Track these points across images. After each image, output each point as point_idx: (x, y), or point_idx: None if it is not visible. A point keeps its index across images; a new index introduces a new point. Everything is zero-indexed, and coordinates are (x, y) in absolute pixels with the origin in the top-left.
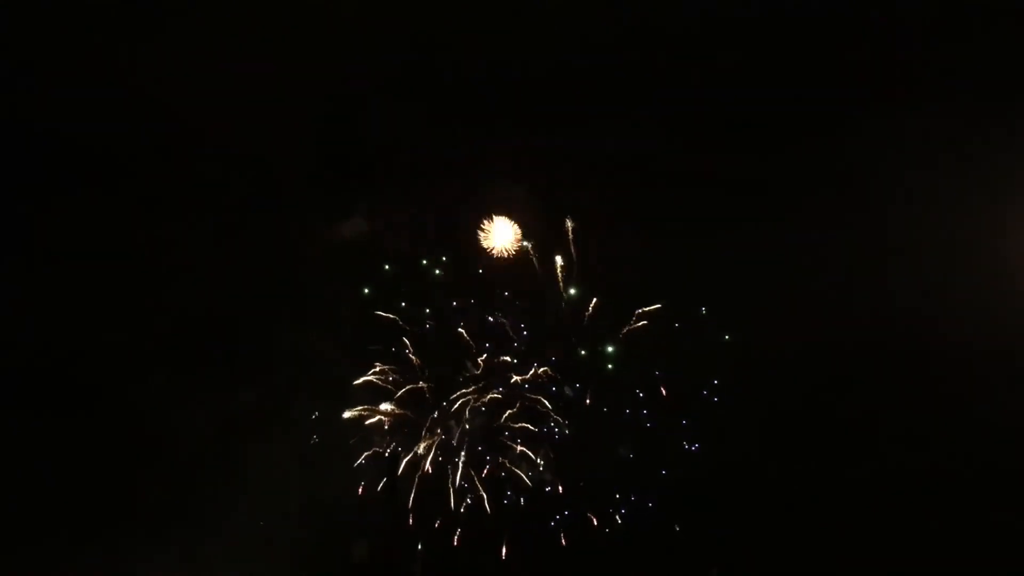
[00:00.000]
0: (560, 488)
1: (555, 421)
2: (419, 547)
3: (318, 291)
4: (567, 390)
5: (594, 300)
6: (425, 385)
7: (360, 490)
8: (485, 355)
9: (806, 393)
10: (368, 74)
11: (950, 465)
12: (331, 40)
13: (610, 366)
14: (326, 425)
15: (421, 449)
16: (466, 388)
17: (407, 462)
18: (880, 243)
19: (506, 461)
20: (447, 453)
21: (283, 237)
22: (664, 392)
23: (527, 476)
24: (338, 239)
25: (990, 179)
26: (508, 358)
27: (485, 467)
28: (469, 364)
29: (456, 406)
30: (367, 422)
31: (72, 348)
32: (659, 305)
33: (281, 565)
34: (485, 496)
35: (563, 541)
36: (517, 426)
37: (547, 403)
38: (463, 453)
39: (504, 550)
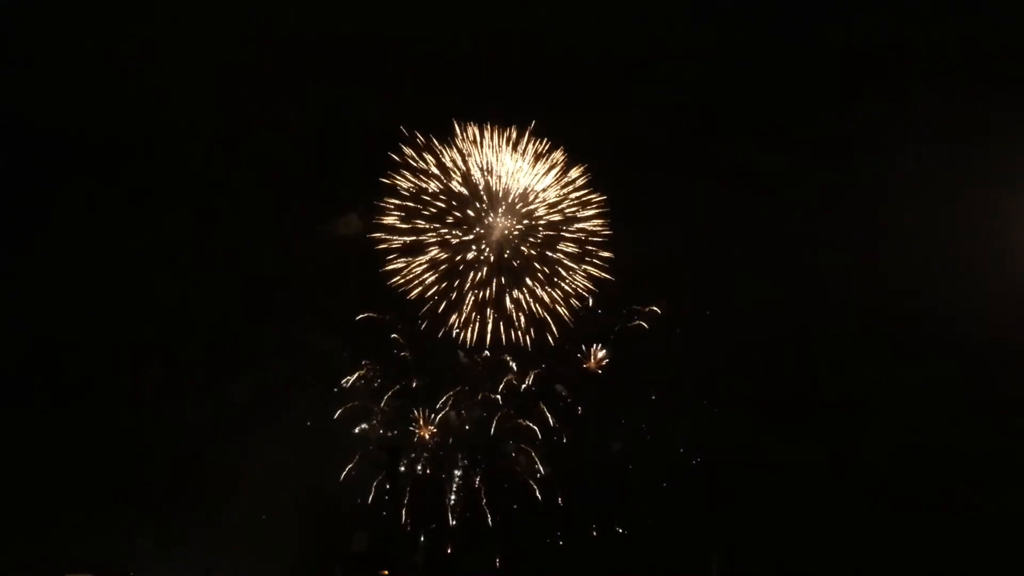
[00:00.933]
0: (560, 500)
1: (551, 423)
2: (421, 539)
3: (314, 286)
4: (560, 389)
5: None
6: (417, 384)
7: (358, 483)
8: (486, 352)
9: (801, 378)
10: (368, 69)
11: (943, 446)
12: (328, 36)
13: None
14: (322, 420)
15: (416, 444)
16: (462, 386)
17: (403, 457)
18: (871, 230)
19: (503, 462)
20: (442, 450)
21: (280, 233)
22: (654, 397)
23: (523, 477)
24: (334, 235)
25: (982, 166)
26: (507, 357)
27: (479, 466)
28: (464, 359)
29: (449, 404)
30: (360, 425)
31: (72, 341)
32: (655, 308)
33: (281, 555)
34: (482, 490)
35: (560, 542)
36: (508, 426)
37: (543, 405)
38: (459, 452)
39: (501, 550)
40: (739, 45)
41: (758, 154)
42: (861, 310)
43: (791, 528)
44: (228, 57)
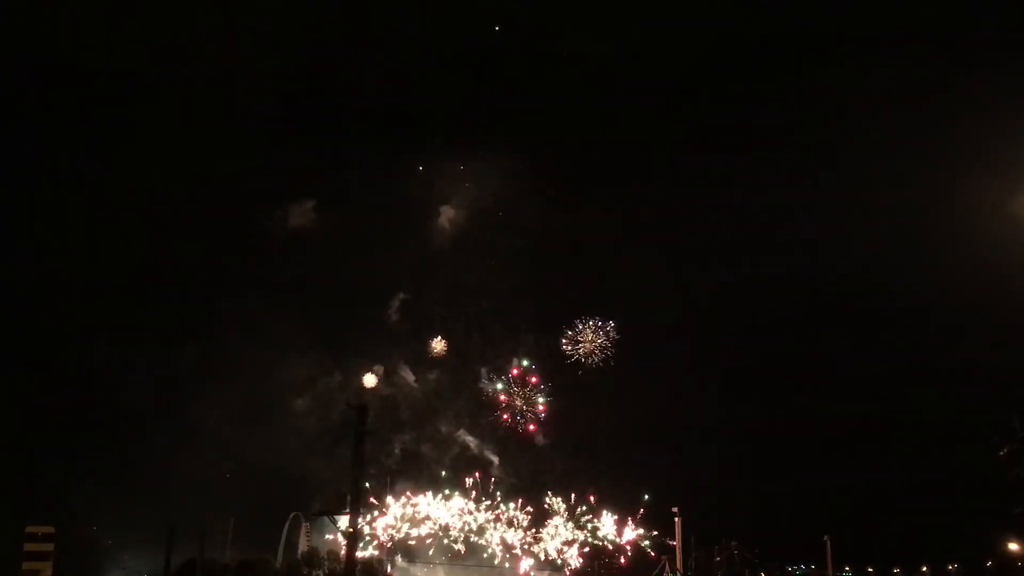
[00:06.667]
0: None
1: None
2: (388, 499)
3: (267, 260)
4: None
5: None
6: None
7: (324, 443)
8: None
9: (767, 345)
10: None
11: (907, 410)
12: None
13: None
14: (271, 382)
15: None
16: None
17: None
18: (840, 200)
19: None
20: (396, 409)
21: (238, 207)
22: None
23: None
24: (287, 221)
25: (950, 138)
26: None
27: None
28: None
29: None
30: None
31: (32, 302)
32: None
33: (243, 514)
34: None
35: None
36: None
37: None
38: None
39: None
40: (714, 17)
41: (735, 123)
42: (827, 280)
43: (751, 492)
44: (206, 31)
